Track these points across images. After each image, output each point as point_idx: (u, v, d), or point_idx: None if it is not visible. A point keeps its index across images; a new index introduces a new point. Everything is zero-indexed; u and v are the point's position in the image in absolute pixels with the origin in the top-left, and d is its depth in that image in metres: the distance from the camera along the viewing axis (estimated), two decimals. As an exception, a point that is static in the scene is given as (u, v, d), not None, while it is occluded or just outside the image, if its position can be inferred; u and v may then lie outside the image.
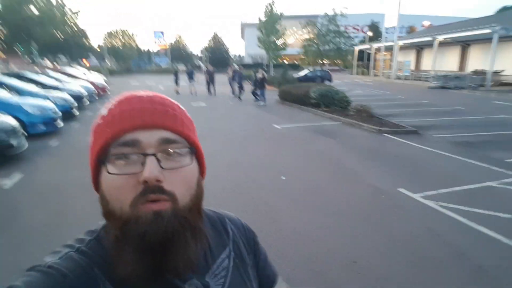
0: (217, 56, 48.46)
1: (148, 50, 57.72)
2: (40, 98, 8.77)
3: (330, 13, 21.50)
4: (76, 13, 36.97)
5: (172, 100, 0.57)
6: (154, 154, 0.49)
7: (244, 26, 46.98)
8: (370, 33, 44.82)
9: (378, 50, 34.02)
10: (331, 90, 12.29)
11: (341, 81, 28.79)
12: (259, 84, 14.33)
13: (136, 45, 54.40)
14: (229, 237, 0.68)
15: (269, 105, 14.16)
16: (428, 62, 28.24)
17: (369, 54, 37.30)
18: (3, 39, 23.84)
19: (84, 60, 48.28)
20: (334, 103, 11.72)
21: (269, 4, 25.68)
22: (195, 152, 0.56)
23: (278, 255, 3.00)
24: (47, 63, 35.03)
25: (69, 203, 4.18)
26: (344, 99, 11.82)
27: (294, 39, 30.07)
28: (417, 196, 4.39)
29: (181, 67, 50.70)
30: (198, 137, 0.59)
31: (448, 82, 21.38)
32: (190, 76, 18.62)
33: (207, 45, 54.28)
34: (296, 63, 27.63)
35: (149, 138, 0.50)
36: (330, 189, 4.77)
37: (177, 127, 0.53)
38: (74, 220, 3.56)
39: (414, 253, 3.14)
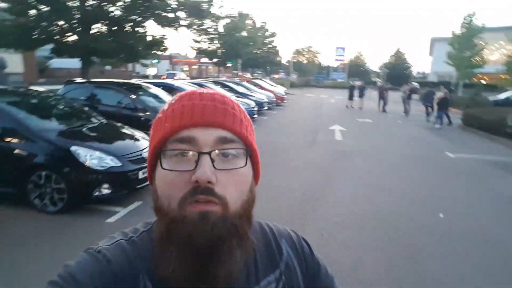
0: (397, 72, 45.13)
1: (328, 66, 60.30)
2: (231, 102, 10.98)
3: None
4: (273, 34, 43.26)
5: (233, 100, 0.56)
6: (209, 154, 0.48)
7: (433, 41, 41.66)
8: None
9: None
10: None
11: None
12: (440, 105, 12.56)
13: (318, 61, 57.99)
14: (282, 259, 0.61)
15: (447, 129, 12.19)
16: None
17: None
18: (219, 55, 30.80)
19: (276, 74, 55.51)
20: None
21: (468, 15, 21.75)
22: (251, 154, 0.54)
23: None
24: (248, 75, 42.75)
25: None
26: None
27: (496, 54, 24.19)
28: None
29: (357, 82, 50.33)
30: (255, 141, 0.57)
31: None
32: (361, 92, 18.75)
33: (387, 61, 51.67)
34: (495, 84, 22.02)
35: (206, 136, 0.49)
36: (501, 240, 3.75)
37: (235, 127, 0.52)
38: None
39: None
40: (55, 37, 9.84)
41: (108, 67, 29.59)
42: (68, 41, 10.12)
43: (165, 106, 0.54)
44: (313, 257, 0.66)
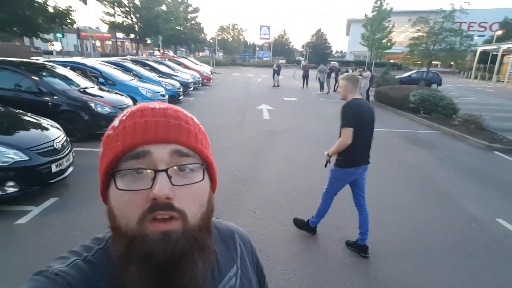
0: (318, 52, 47.91)
1: (254, 44, 60.73)
2: (154, 83, 10.35)
3: (448, 8, 18.66)
4: (196, 10, 41.41)
5: (186, 113, 0.55)
6: (165, 170, 0.47)
7: (350, 23, 45.04)
8: (499, 32, 37.49)
9: (508, 51, 28.31)
10: (435, 95, 10.97)
11: (452, 86, 25.22)
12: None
13: (244, 39, 57.88)
14: (237, 254, 0.67)
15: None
16: None
17: (494, 55, 31.28)
18: (137, 31, 28.39)
19: (200, 52, 53.64)
20: (437, 110, 10.46)
21: (379, -1, 23.95)
22: (207, 167, 0.54)
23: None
24: (170, 53, 40.39)
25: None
26: (450, 106, 10.43)
27: (401, 37, 27.48)
28: None
29: (282, 61, 51.80)
30: (211, 152, 0.58)
31: None
32: (277, 71, 19.45)
33: (309, 41, 54.47)
34: (400, 63, 25.12)
35: (161, 152, 0.48)
36: (414, 210, 4.24)
37: (190, 142, 0.51)
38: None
39: None
40: None
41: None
42: None
43: (116, 123, 0.52)
44: (257, 256, 0.74)
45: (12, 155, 3.50)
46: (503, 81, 28.71)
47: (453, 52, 19.45)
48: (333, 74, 18.98)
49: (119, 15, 27.49)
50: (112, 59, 13.40)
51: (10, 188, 3.47)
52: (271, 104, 12.35)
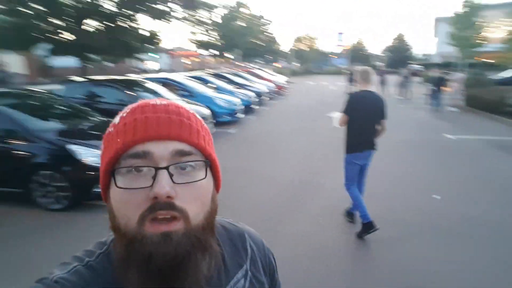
0: (399, 56, 44.57)
1: (330, 52, 59.55)
2: (230, 94, 11.03)
3: None
4: (269, 22, 42.77)
5: (188, 109, 0.53)
6: (166, 168, 0.46)
7: (437, 22, 40.76)
8: None
9: None
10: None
11: None
12: (436, 86, 12.48)
13: (318, 48, 57.42)
14: (247, 255, 0.65)
15: (448, 111, 12.14)
16: None
17: None
18: (218, 47, 30.62)
19: (277, 63, 55.03)
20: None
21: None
22: (210, 165, 0.53)
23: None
24: (248, 65, 42.49)
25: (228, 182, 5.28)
26: None
27: (496, 32, 23.75)
28: None
29: (358, 68, 49.55)
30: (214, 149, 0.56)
31: None
32: (351, 78, 18.83)
33: (390, 45, 51.20)
34: (497, 63, 21.56)
35: (162, 150, 0.47)
36: (502, 226, 3.70)
37: (192, 138, 0.50)
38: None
39: None
40: (50, 36, 9.86)
41: (109, 64, 29.69)
42: (63, 39, 10.14)
43: (116, 120, 0.51)
44: (271, 258, 0.71)
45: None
46: None
47: None
48: (416, 78, 17.45)
49: (202, 33, 30.07)
50: (194, 73, 14.74)
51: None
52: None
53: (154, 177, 0.45)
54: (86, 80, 8.04)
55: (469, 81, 16.26)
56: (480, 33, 21.90)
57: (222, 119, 9.54)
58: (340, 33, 44.09)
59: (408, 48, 51.31)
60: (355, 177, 3.54)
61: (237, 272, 0.61)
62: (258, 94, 14.19)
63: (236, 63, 35.41)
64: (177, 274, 0.46)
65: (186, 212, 0.46)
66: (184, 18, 12.34)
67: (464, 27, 21.59)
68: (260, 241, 0.70)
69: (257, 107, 12.85)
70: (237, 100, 10.52)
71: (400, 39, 51.16)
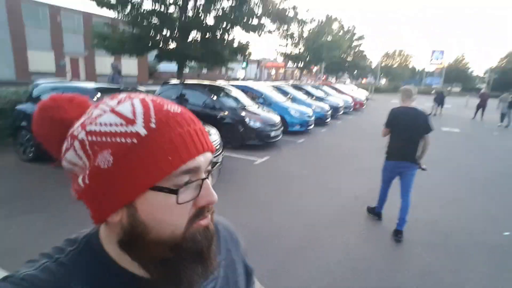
0: (509, 77, 38.48)
1: (423, 70, 54.99)
2: (304, 105, 11.41)
3: None
4: (362, 37, 41.60)
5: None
6: (207, 178, 0.50)
7: None
8: None
9: None
10: None
11: None
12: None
13: (411, 65, 53.53)
14: (220, 244, 0.67)
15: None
16: None
17: None
18: (303, 60, 31.20)
19: (364, 78, 53.27)
20: None
21: None
22: None
23: None
24: (333, 80, 42.15)
25: (283, 190, 5.69)
26: None
27: None
28: None
29: (456, 88, 44.55)
30: None
31: None
32: (440, 100, 17.38)
33: (496, 65, 44.69)
34: None
35: (204, 162, 0.49)
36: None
37: (213, 146, 0.52)
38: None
39: None
40: (159, 45, 11.73)
41: (204, 71, 32.75)
42: (168, 48, 11.93)
43: (140, 130, 0.45)
44: (242, 250, 0.75)
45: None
46: None
47: None
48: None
49: (290, 46, 31.07)
50: (276, 83, 15.53)
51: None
52: (425, 134, 11.21)
53: (200, 186, 0.48)
54: (179, 83, 9.38)
55: None
56: None
57: (294, 129, 9.97)
58: (437, 51, 40.35)
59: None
60: (390, 181, 4.08)
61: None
62: (334, 108, 14.24)
63: (319, 76, 35.51)
64: (209, 259, 0.51)
65: (213, 209, 0.54)
66: (272, 31, 13.09)
67: None
68: (232, 231, 0.74)
69: (329, 120, 12.92)
70: (310, 112, 10.84)
71: (510, 59, 44.14)
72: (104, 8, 10.69)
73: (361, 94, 21.64)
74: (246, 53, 13.86)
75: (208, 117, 7.69)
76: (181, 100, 8.42)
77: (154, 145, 0.45)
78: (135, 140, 0.44)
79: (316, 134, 10.70)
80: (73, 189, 0.49)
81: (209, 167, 0.51)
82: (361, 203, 4.84)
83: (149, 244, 0.47)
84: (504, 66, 43.67)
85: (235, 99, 8.82)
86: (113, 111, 0.47)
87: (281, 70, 55.96)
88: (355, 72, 49.73)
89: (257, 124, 7.83)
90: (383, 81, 52.66)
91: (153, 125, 0.46)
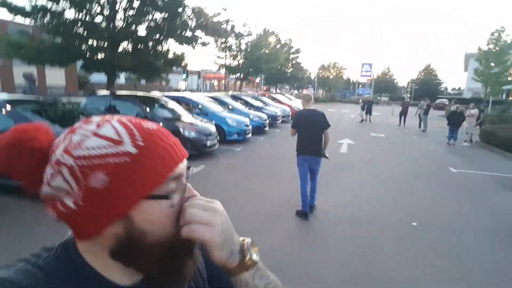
0: (427, 88, 44.05)
1: (356, 81, 60.04)
2: (242, 115, 11.56)
3: None
4: (298, 51, 43.98)
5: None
6: (187, 182, 0.56)
7: (468, 58, 40.23)
8: None
9: None
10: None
11: None
12: (454, 120, 12.39)
13: (345, 77, 57.98)
14: None
15: (461, 146, 11.96)
16: None
17: None
18: (242, 71, 31.83)
19: (304, 89, 56.11)
20: None
21: (497, 30, 21.09)
22: None
23: None
24: (272, 90, 43.56)
25: (230, 198, 5.64)
26: None
27: None
28: None
29: (385, 98, 49.17)
30: None
31: None
32: (369, 108, 19.19)
33: (416, 77, 51.01)
34: None
35: (183, 168, 0.55)
36: (484, 259, 3.84)
37: (186, 153, 0.57)
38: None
39: None
40: (85, 55, 11.01)
41: (142, 82, 31.49)
42: (96, 58, 11.26)
43: (130, 149, 0.48)
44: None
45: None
46: None
47: None
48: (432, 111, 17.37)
49: (228, 58, 31.51)
50: (214, 94, 15.54)
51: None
52: (354, 139, 12.11)
53: (184, 189, 0.55)
54: (108, 94, 8.87)
55: (490, 117, 15.97)
56: (508, 70, 21.50)
57: (232, 138, 10.02)
58: (366, 64, 44.34)
59: (436, 81, 50.74)
60: (306, 175, 4.57)
61: None
62: (272, 117, 14.68)
63: (260, 87, 36.52)
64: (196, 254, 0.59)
65: None
66: (206, 44, 13.16)
67: (490, 64, 21.34)
68: None
69: (267, 128, 13.28)
70: (247, 121, 11.01)
71: (427, 72, 50.82)
72: (19, 16, 9.77)
73: (299, 104, 22.70)
74: (182, 65, 13.71)
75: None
76: (111, 111, 7.94)
77: (146, 160, 0.49)
78: (127, 159, 0.48)
79: (254, 142, 10.88)
80: (55, 212, 0.50)
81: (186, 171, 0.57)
82: (292, 206, 5.00)
83: (146, 246, 0.50)
84: (423, 78, 50.33)
85: (170, 110, 8.61)
86: (96, 135, 0.48)
87: (223, 81, 56.41)
88: (295, 84, 52.21)
89: (192, 134, 7.70)
90: (321, 91, 55.99)
91: (140, 143, 0.49)
